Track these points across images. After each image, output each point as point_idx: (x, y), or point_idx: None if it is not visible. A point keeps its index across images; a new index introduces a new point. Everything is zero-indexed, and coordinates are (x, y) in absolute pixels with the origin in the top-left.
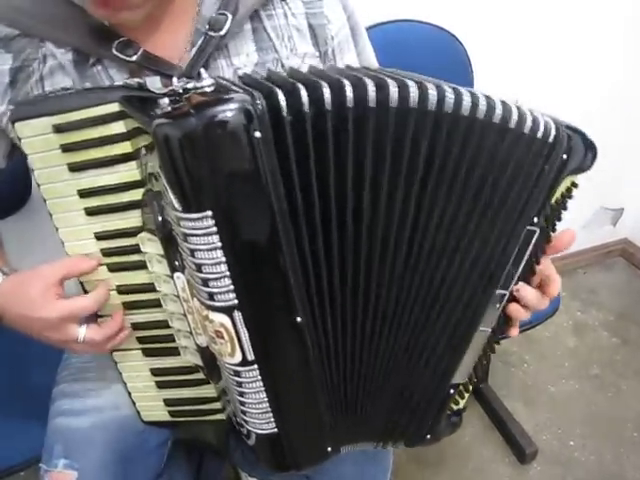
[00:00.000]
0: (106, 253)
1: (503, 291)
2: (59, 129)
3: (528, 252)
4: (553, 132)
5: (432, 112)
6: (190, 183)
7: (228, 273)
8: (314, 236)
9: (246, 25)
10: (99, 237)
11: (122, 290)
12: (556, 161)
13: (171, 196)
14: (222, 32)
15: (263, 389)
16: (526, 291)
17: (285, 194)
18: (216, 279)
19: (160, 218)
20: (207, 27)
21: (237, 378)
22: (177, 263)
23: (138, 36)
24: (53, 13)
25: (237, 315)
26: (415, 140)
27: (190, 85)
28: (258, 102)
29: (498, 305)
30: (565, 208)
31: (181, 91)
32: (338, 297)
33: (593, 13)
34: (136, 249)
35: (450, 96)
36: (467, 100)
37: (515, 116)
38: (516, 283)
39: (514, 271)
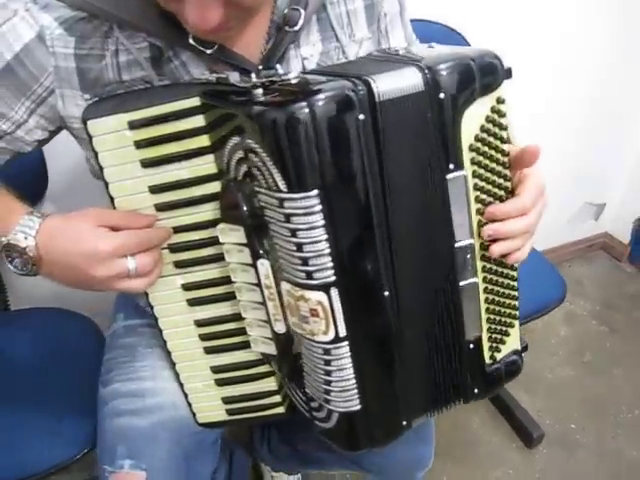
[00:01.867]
0: (174, 249)
1: (465, 242)
2: (134, 125)
3: (466, 198)
4: (421, 81)
5: None
6: (298, 164)
7: (328, 251)
8: (397, 213)
9: (312, 18)
10: None
11: (188, 287)
12: (435, 103)
13: (277, 178)
14: (296, 27)
15: (351, 365)
16: (495, 226)
17: (378, 173)
18: (316, 257)
19: (245, 207)
20: (282, 22)
21: (326, 357)
22: (261, 250)
23: None
24: (126, 1)
25: (334, 292)
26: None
27: (275, 78)
28: (360, 88)
29: (469, 255)
30: (504, 128)
31: (267, 83)
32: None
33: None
34: (204, 243)
35: None
36: None
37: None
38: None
39: (464, 220)
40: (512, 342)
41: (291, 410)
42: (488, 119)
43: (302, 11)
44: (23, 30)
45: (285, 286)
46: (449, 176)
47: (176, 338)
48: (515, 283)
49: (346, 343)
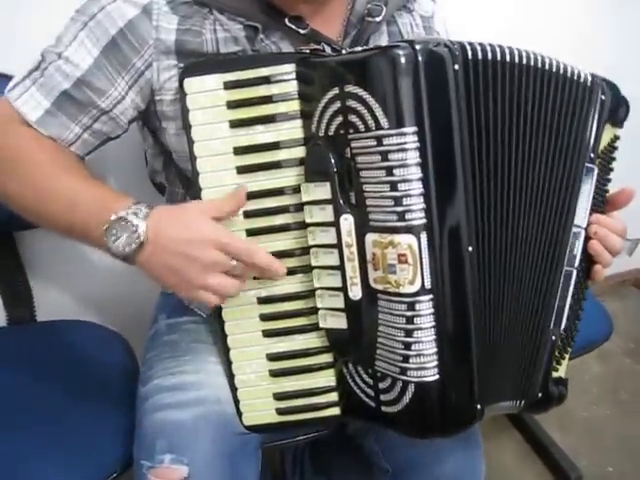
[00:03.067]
0: (248, 214)
1: (578, 228)
2: (229, 86)
3: (592, 189)
4: (589, 77)
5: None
6: (401, 101)
7: (420, 191)
8: (481, 165)
9: (383, 27)
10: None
11: None
12: (597, 102)
13: (378, 115)
14: (378, 19)
15: (433, 324)
16: (600, 225)
17: (467, 121)
18: (408, 196)
19: (334, 160)
20: (366, 13)
21: (409, 312)
22: (346, 203)
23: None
24: None
25: (423, 237)
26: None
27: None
28: (455, 45)
29: (577, 242)
30: (613, 159)
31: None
32: (495, 227)
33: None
34: (280, 210)
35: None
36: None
37: (560, 64)
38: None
39: (585, 207)
40: (563, 368)
41: (347, 412)
42: (609, 144)
43: (383, 6)
44: (127, 8)
45: (371, 237)
46: (588, 164)
47: (235, 317)
48: (582, 312)
49: (430, 297)
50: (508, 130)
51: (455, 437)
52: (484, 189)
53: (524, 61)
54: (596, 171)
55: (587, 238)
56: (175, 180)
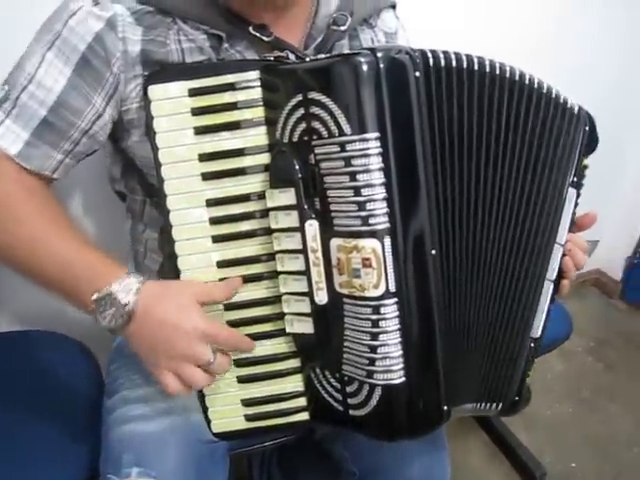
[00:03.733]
0: (214, 221)
1: (559, 244)
2: (193, 93)
3: (571, 210)
4: (576, 105)
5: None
6: (363, 107)
7: (383, 195)
8: (444, 171)
9: (344, 41)
10: (210, 204)
11: (223, 264)
12: (582, 130)
13: (341, 121)
14: (343, 28)
15: (398, 327)
16: (572, 243)
17: (428, 127)
18: (372, 200)
19: (298, 166)
20: (331, 22)
21: (374, 316)
22: (310, 208)
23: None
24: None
25: (387, 241)
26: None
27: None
28: (416, 53)
29: (556, 257)
30: (582, 186)
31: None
32: (460, 232)
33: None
34: (245, 216)
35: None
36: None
37: (548, 87)
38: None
39: (565, 226)
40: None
41: (315, 417)
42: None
43: (349, 16)
44: (92, 22)
45: (336, 242)
46: (571, 188)
47: None
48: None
49: (395, 300)
50: (477, 138)
51: (421, 440)
52: (448, 195)
53: (497, 72)
54: (576, 194)
55: (563, 254)
56: (135, 187)
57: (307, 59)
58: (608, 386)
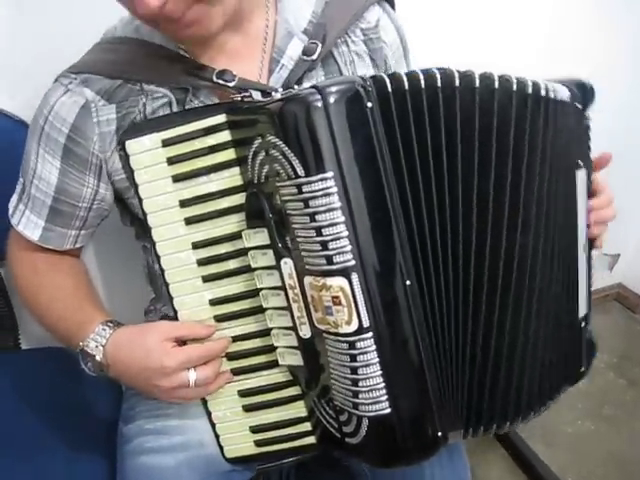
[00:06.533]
0: (202, 262)
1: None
2: (166, 143)
3: (585, 192)
4: (560, 90)
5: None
6: (311, 147)
7: (346, 233)
8: (416, 198)
9: (315, 70)
10: (196, 246)
11: (215, 301)
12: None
13: (295, 164)
14: (314, 57)
15: (377, 360)
16: (595, 210)
17: (390, 157)
18: (334, 239)
19: (267, 206)
20: (301, 53)
21: (351, 351)
22: (284, 249)
23: (218, 66)
24: (145, 60)
25: (354, 277)
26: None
27: (294, 92)
28: (368, 82)
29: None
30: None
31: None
32: (440, 261)
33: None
34: (231, 256)
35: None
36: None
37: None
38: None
39: (583, 218)
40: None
41: (323, 441)
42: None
43: (319, 44)
44: (66, 114)
45: (308, 280)
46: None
47: None
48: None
49: (370, 335)
50: (448, 158)
51: (440, 454)
52: (424, 222)
53: (456, 84)
54: (585, 172)
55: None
56: (139, 232)
57: (273, 94)
58: (631, 403)
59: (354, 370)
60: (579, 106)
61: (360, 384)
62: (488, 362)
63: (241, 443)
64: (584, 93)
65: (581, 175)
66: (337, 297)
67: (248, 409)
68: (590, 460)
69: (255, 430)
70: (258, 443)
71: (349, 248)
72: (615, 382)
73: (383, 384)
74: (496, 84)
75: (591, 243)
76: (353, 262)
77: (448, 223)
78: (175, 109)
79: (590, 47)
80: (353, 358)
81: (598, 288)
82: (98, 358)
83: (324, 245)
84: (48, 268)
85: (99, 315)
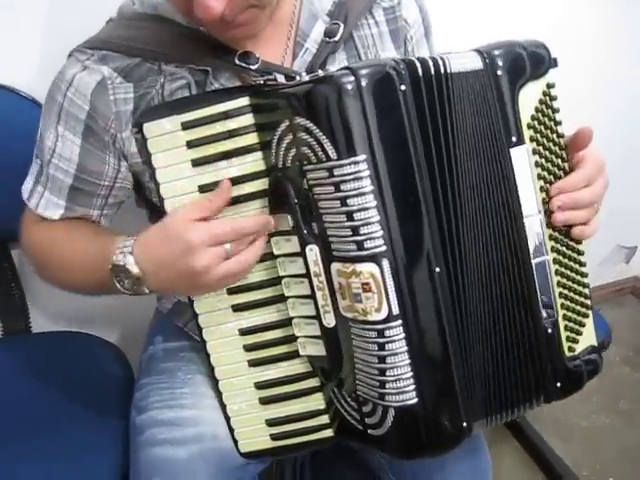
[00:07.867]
0: None
1: (534, 216)
2: (187, 126)
3: (530, 171)
4: (479, 60)
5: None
6: (345, 130)
7: (377, 218)
8: (443, 183)
9: (338, 52)
10: None
11: (234, 290)
12: (493, 81)
13: (326, 147)
14: (336, 38)
15: (405, 349)
16: (563, 191)
17: (422, 141)
18: (365, 224)
19: (293, 192)
20: (324, 35)
21: (380, 339)
22: (310, 235)
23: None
24: (167, 39)
25: (385, 264)
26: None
27: (321, 74)
28: (401, 65)
29: (539, 230)
30: (555, 111)
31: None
32: (462, 245)
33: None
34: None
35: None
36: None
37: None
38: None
39: (530, 193)
40: (588, 335)
41: (340, 433)
42: (541, 101)
43: (341, 24)
44: (85, 90)
45: (335, 266)
46: (513, 149)
47: (220, 350)
48: (584, 269)
49: (399, 322)
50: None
51: (461, 447)
52: (451, 209)
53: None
54: (526, 147)
55: (550, 215)
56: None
57: (297, 78)
58: None
59: (382, 359)
60: (499, 73)
61: (387, 373)
62: (510, 350)
63: (256, 437)
64: (534, 57)
65: (519, 153)
66: (367, 284)
67: (265, 402)
68: (605, 454)
69: (271, 423)
70: (274, 437)
71: (380, 234)
72: (630, 376)
73: (410, 373)
74: None
75: (567, 233)
76: (384, 248)
77: (468, 214)
78: (194, 91)
79: (593, 46)
80: (381, 347)
81: (614, 281)
82: (129, 267)
83: (355, 230)
84: (67, 228)
85: (121, 237)
